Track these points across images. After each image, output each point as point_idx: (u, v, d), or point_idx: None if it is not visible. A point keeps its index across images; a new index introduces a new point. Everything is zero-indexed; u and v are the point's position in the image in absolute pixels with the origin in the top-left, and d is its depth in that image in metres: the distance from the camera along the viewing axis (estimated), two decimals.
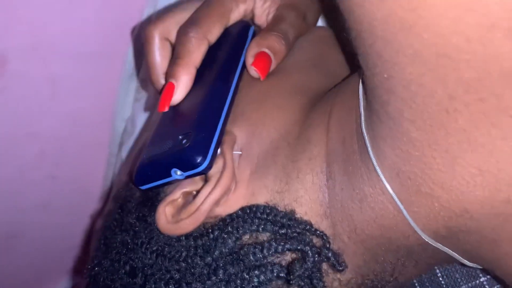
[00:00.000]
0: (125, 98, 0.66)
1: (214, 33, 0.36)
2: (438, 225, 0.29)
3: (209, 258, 0.31)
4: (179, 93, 0.35)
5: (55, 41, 0.56)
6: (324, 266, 0.31)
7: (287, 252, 0.31)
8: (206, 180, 0.33)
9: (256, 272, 0.30)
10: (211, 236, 0.31)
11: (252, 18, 0.41)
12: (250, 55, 0.36)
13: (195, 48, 0.35)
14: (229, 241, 0.31)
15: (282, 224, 0.31)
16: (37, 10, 0.53)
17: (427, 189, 0.28)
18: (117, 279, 0.34)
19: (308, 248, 0.30)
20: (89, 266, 0.37)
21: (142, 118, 0.64)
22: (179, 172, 0.31)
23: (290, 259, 0.31)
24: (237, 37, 0.38)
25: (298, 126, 0.35)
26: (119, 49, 0.63)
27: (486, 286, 0.38)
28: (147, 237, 0.33)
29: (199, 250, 0.32)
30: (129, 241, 0.34)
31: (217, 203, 0.32)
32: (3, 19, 0.51)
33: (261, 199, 0.32)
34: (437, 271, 0.39)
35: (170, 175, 0.32)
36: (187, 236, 0.32)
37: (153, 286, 0.32)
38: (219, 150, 0.32)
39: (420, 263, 0.34)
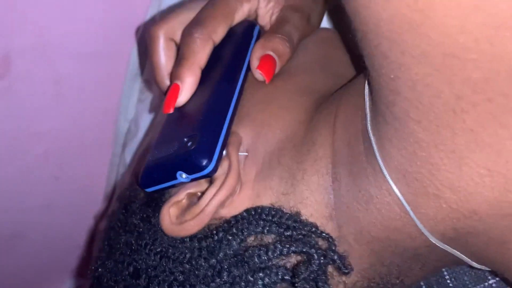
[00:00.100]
0: (129, 99, 0.66)
1: (219, 33, 0.36)
2: (446, 227, 0.29)
3: (213, 260, 0.31)
4: (184, 94, 0.35)
5: (59, 41, 0.57)
6: (329, 268, 0.31)
7: (292, 254, 0.31)
8: (211, 182, 0.32)
9: (260, 274, 0.30)
10: (216, 237, 0.31)
11: (255, 19, 0.41)
12: (255, 58, 0.36)
13: (200, 48, 0.35)
14: (234, 243, 0.31)
15: (287, 226, 0.31)
16: (41, 11, 0.53)
17: (435, 190, 0.28)
18: (120, 281, 0.34)
19: (314, 250, 0.29)
20: (93, 267, 0.37)
21: (145, 119, 0.64)
22: (184, 175, 0.31)
23: (295, 262, 0.31)
24: (242, 37, 0.38)
25: (303, 127, 0.34)
26: (123, 49, 0.63)
27: None
28: (151, 238, 0.33)
29: (203, 252, 0.31)
30: (133, 242, 0.34)
31: (222, 204, 0.32)
32: (8, 19, 0.51)
33: (266, 201, 0.32)
34: (445, 273, 0.39)
35: (175, 178, 0.32)
36: (191, 237, 0.32)
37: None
38: (224, 152, 0.32)
39: (426, 265, 0.34)
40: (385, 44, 0.25)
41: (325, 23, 0.46)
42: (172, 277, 0.32)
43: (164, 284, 0.32)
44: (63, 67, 0.58)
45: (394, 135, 0.28)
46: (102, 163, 0.72)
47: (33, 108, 0.59)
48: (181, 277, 0.31)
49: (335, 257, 0.30)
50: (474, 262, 0.33)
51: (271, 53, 0.36)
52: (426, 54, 0.23)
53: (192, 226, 0.31)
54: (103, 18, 0.59)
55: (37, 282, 0.78)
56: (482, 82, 0.23)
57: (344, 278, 0.32)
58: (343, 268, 0.30)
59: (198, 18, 0.36)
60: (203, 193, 0.33)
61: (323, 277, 0.30)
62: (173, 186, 0.33)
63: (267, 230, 0.31)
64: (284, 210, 0.31)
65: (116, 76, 0.65)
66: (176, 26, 0.38)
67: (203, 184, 0.33)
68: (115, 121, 0.68)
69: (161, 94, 0.39)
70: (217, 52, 0.36)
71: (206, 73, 0.35)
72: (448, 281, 0.39)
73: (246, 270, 0.30)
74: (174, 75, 0.35)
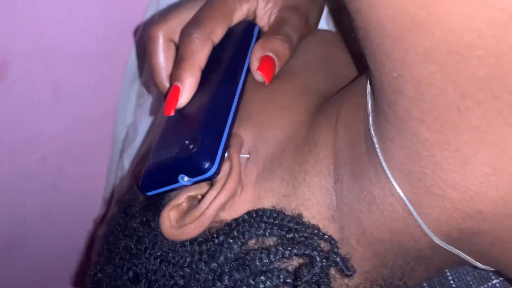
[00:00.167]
0: (127, 103, 0.66)
1: (218, 34, 0.36)
2: (450, 227, 0.29)
3: (214, 264, 0.31)
4: (185, 96, 0.34)
5: (57, 43, 0.56)
6: (332, 271, 0.31)
7: (294, 257, 0.30)
8: (211, 184, 0.32)
9: (262, 278, 0.30)
10: (216, 241, 0.31)
11: (254, 19, 0.41)
12: (254, 59, 0.36)
13: (199, 49, 0.35)
14: (235, 246, 0.30)
15: (289, 228, 0.30)
16: (39, 13, 0.53)
17: (438, 190, 0.27)
18: (120, 286, 0.33)
19: (316, 253, 0.29)
20: (92, 272, 0.37)
21: (143, 124, 0.64)
22: (186, 178, 0.31)
23: (297, 264, 0.31)
24: (241, 37, 0.38)
25: (304, 128, 0.34)
26: (122, 50, 0.63)
27: None
28: (151, 242, 0.33)
29: (203, 256, 0.31)
30: (132, 246, 0.33)
31: (222, 207, 0.31)
32: (5, 22, 0.51)
33: (267, 203, 0.32)
34: (448, 274, 0.39)
35: (177, 181, 0.31)
36: (192, 241, 0.32)
37: None
38: (226, 154, 0.32)
39: (430, 267, 0.33)
40: (388, 42, 0.24)
41: (325, 23, 0.46)
42: (172, 282, 0.31)
43: None
44: (61, 69, 0.58)
45: (396, 135, 0.28)
46: (100, 169, 0.72)
47: (31, 112, 0.59)
48: (181, 282, 0.31)
49: (338, 259, 0.30)
50: (478, 263, 0.32)
51: (270, 54, 0.36)
52: (430, 52, 0.23)
53: (193, 229, 0.31)
54: (101, 19, 0.59)
55: None
56: (487, 79, 0.23)
57: (346, 280, 0.31)
58: (346, 270, 0.30)
59: (197, 18, 0.36)
60: (203, 196, 0.32)
61: (326, 280, 0.29)
62: (174, 189, 0.33)
63: (269, 233, 0.30)
64: (286, 212, 0.31)
65: (115, 79, 0.65)
66: (175, 26, 0.38)
67: (203, 186, 0.33)
68: (113, 127, 0.68)
69: (160, 95, 0.39)
70: (216, 53, 0.36)
71: (205, 74, 0.35)
72: (451, 282, 0.39)
73: (248, 273, 0.30)
74: (174, 76, 0.35)
